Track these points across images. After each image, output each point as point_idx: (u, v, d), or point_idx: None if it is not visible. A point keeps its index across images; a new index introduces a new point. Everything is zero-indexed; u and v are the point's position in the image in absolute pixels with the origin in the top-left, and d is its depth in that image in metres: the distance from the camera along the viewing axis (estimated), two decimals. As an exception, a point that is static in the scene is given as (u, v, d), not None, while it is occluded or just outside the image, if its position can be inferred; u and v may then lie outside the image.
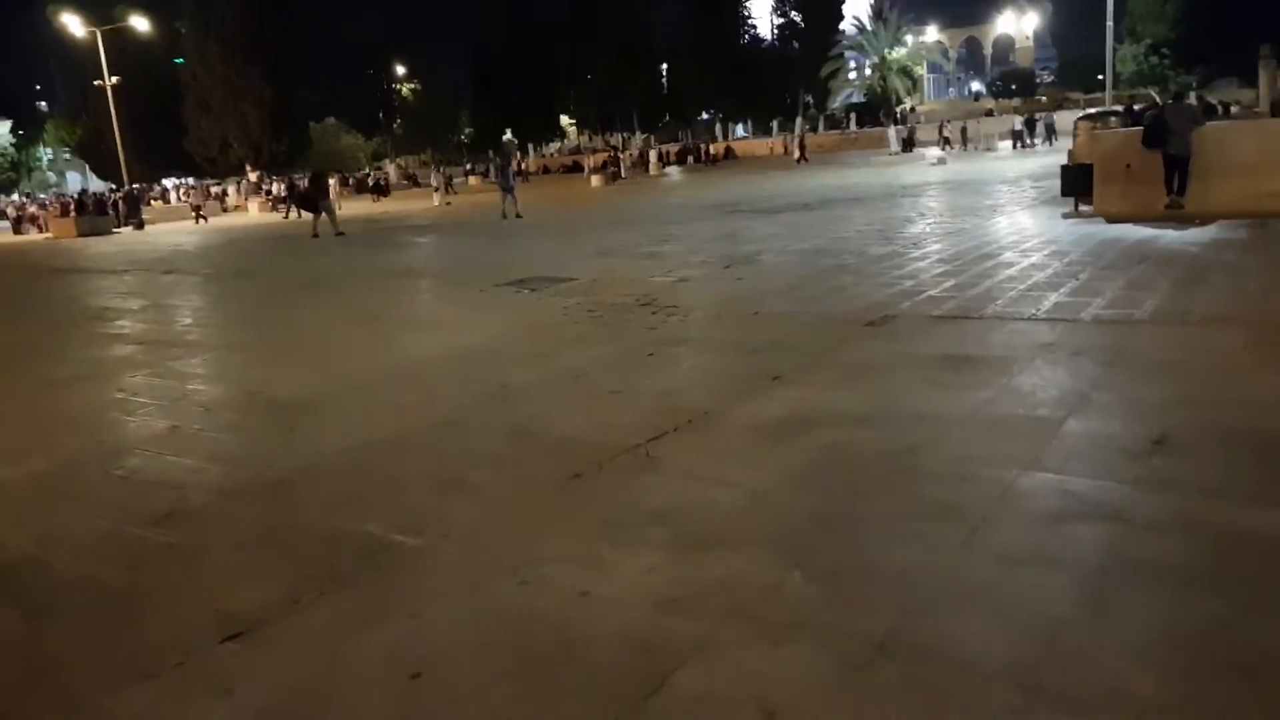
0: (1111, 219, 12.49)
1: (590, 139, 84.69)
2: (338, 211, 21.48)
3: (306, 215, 22.05)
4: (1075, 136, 23.12)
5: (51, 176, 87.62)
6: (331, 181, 32.18)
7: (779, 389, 5.44)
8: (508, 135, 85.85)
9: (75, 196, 46.06)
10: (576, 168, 63.56)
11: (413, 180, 71.72)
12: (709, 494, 3.84)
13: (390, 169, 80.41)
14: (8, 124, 77.08)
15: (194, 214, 35.43)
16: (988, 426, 4.51)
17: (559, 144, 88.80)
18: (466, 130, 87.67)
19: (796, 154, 45.22)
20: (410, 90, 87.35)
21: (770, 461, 4.19)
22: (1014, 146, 41.41)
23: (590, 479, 4.11)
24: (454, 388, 6.01)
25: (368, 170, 73.47)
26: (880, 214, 16.67)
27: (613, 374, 6.12)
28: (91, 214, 34.43)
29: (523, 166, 46.48)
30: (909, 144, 45.85)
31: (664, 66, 77.51)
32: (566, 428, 4.90)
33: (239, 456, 4.85)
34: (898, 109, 57.28)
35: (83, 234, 30.79)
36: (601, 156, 60.57)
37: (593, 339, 7.32)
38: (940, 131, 44.02)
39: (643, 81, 71.96)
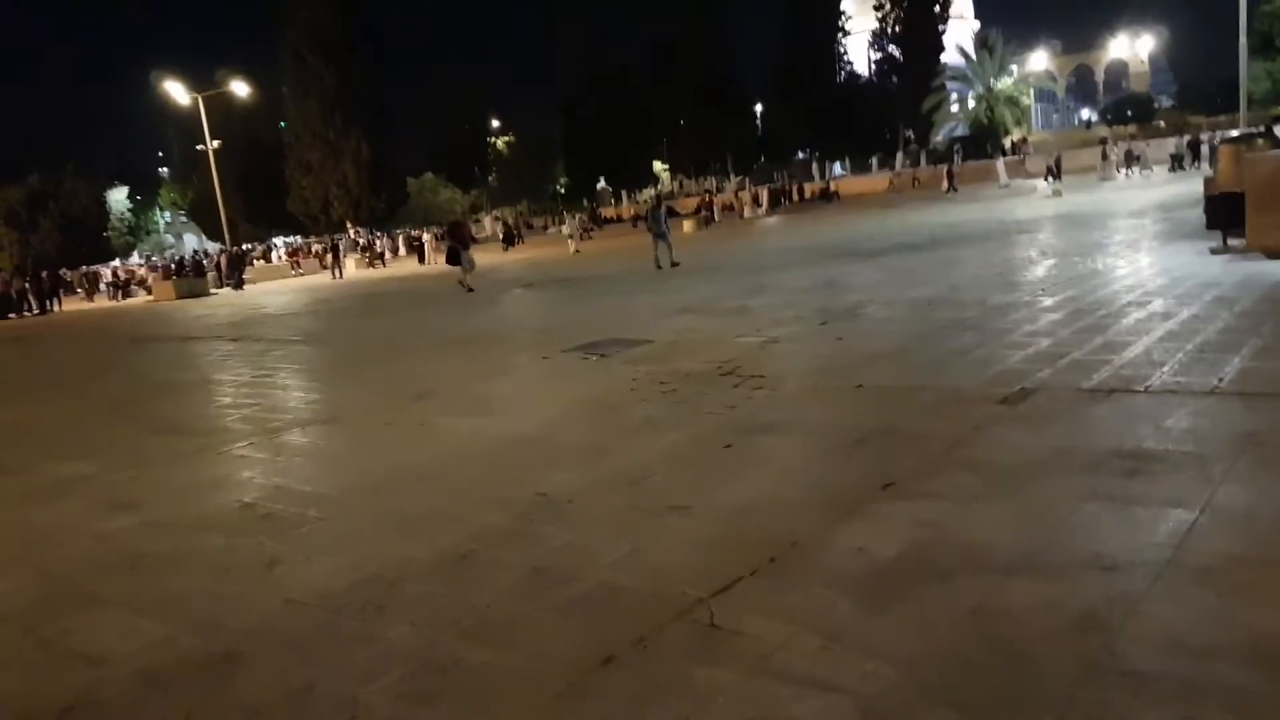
0: (1271, 254, 10.68)
1: (681, 184, 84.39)
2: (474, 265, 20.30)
3: (395, 269, 21.61)
4: (1214, 161, 20.92)
5: (169, 239, 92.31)
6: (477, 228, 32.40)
7: (893, 504, 4.12)
8: (601, 183, 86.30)
9: (177, 260, 47.72)
10: (671, 213, 62.92)
11: (510, 230, 72.52)
12: (793, 711, 2.56)
13: (487, 221, 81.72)
14: (125, 190, 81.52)
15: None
16: (1199, 578, 3.10)
17: (653, 190, 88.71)
18: (561, 180, 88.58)
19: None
20: (505, 143, 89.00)
21: (886, 640, 2.89)
22: (1170, 169, 39.81)
23: (624, 667, 2.88)
24: (480, 497, 4.87)
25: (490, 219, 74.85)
26: (997, 255, 15.05)
27: (677, 478, 4.89)
28: (190, 276, 35.30)
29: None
30: (1056, 172, 43.73)
31: (758, 107, 76.72)
32: (607, 568, 3.69)
33: (190, 609, 3.80)
34: (1007, 140, 54.79)
35: (181, 296, 31.46)
36: (694, 201, 59.82)
37: (660, 423, 6.11)
38: (1104, 153, 42.75)
39: (735, 123, 71.29)
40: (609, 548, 3.91)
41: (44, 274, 37.14)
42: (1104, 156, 43.83)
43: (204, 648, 3.37)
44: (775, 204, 54.94)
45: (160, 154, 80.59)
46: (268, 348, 13.40)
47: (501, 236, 46.82)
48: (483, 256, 28.12)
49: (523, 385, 8.10)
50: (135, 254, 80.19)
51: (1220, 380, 5.59)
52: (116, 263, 68.54)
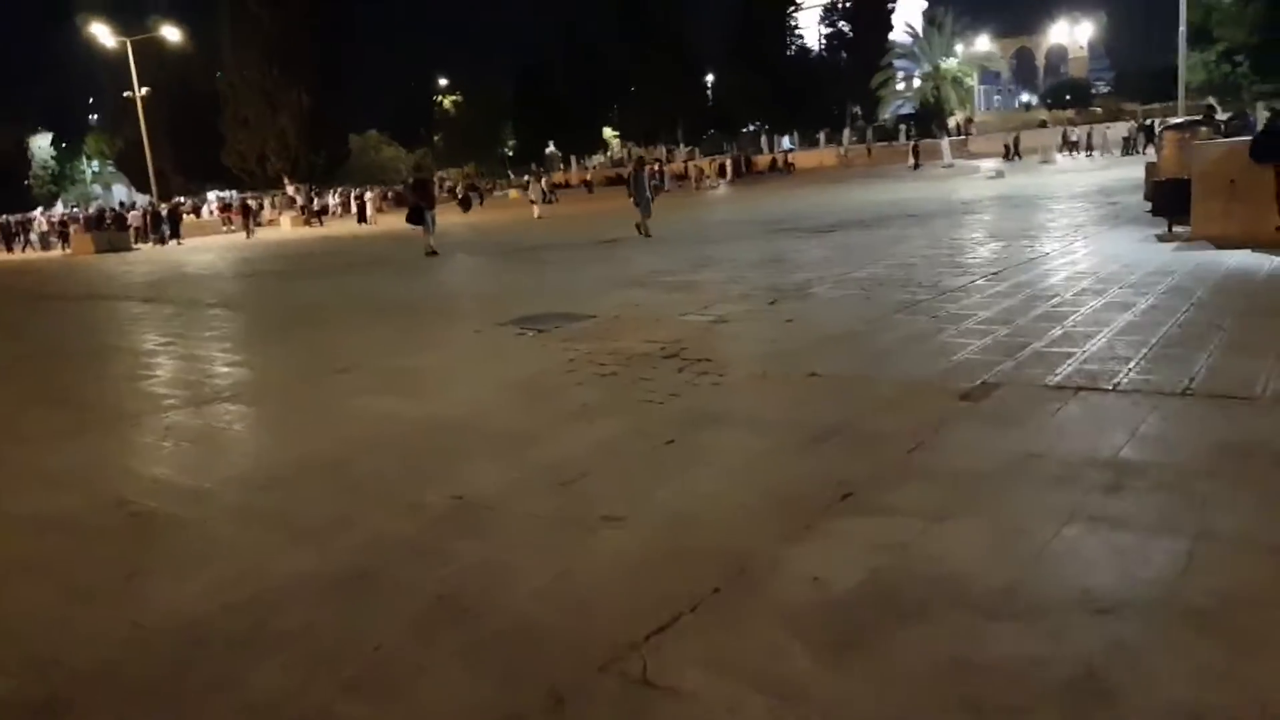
0: (1217, 243, 10.56)
1: (630, 153, 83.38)
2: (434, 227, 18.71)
3: (333, 228, 20.43)
4: (1159, 148, 21.02)
5: (97, 190, 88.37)
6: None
7: (851, 520, 3.66)
8: (550, 147, 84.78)
9: (97, 212, 45.53)
10: (620, 180, 62.13)
11: (453, 194, 70.83)
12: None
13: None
14: (49, 136, 77.65)
15: (247, 227, 34.43)
16: (1199, 624, 2.69)
17: (603, 156, 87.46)
18: (509, 143, 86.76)
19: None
20: (452, 102, 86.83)
21: (848, 702, 2.42)
22: (1124, 152, 40.79)
23: (538, 736, 2.37)
24: (388, 498, 4.29)
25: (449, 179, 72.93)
26: (945, 234, 14.76)
27: (613, 478, 4.37)
28: (111, 229, 33.56)
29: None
30: (1015, 151, 44.44)
31: (709, 78, 75.93)
32: (526, 598, 3.16)
33: (20, 638, 3.18)
34: (957, 120, 54.98)
35: (100, 250, 29.88)
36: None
37: (597, 411, 5.58)
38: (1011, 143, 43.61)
39: (688, 93, 70.45)
40: (530, 570, 3.38)
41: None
42: (1014, 144, 45.06)
43: (24, 693, 2.77)
44: (738, 174, 54.64)
45: (91, 101, 76.70)
46: (179, 310, 12.52)
47: (459, 198, 45.24)
48: (440, 219, 27.11)
49: (451, 362, 7.49)
50: (59, 204, 76.58)
51: (1191, 381, 5.24)
52: (39, 211, 65.42)
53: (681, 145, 76.33)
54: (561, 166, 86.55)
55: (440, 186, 71.07)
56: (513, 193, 57.18)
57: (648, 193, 18.80)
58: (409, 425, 5.56)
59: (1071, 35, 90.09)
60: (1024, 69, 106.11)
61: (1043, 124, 66.98)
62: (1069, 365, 5.79)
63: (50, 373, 8.61)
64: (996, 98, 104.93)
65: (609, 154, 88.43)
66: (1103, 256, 10.64)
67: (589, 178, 64.31)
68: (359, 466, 4.80)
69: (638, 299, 10.13)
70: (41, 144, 76.64)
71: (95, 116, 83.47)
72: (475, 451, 4.93)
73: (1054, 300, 8.04)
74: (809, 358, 6.58)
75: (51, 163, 77.51)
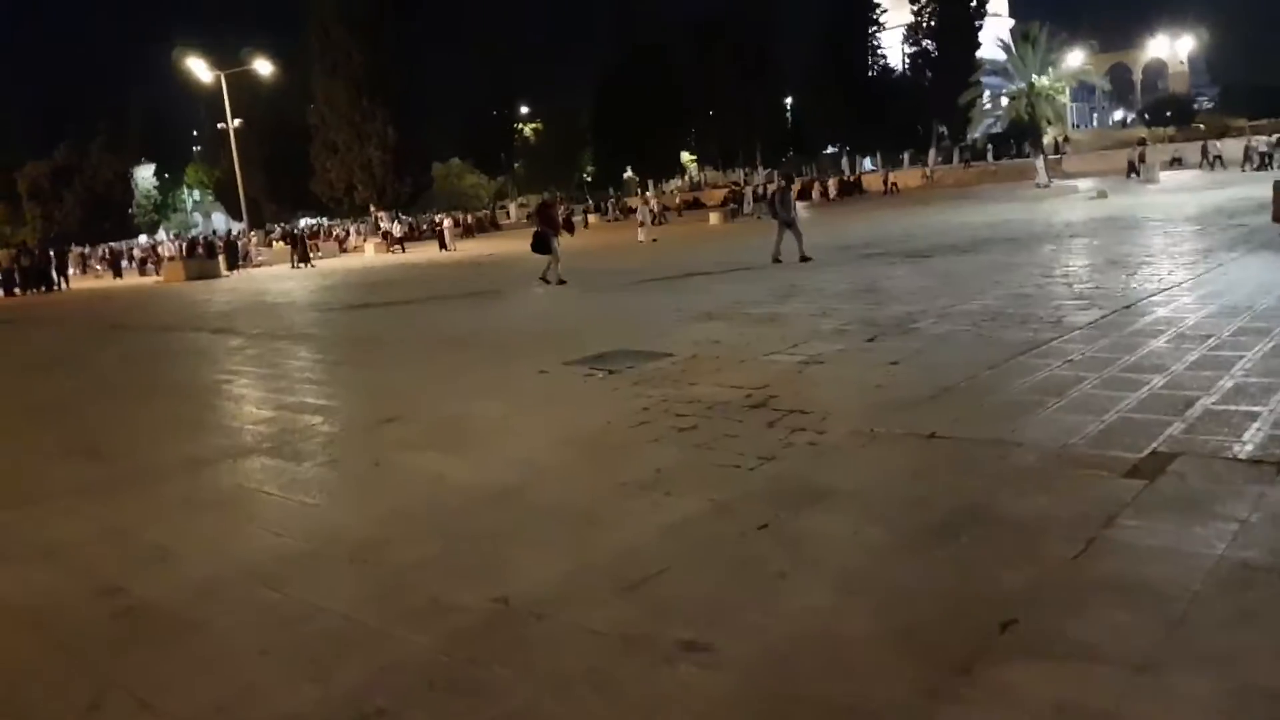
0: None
1: (705, 177, 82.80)
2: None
3: (414, 255, 19.76)
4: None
5: (196, 218, 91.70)
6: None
7: (1024, 664, 2.70)
8: (628, 172, 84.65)
9: (189, 240, 46.81)
10: (697, 204, 61.42)
11: (531, 219, 71.09)
12: None
13: (513, 208, 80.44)
14: (152, 167, 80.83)
15: (291, 259, 34.70)
16: None
17: (680, 180, 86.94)
18: (588, 168, 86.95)
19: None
20: (532, 130, 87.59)
21: None
22: (1257, 167, 38.10)
23: None
24: (417, 598, 3.48)
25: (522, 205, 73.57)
26: (1056, 260, 13.50)
27: (694, 580, 3.49)
28: (201, 258, 34.25)
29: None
30: (1139, 166, 42.00)
31: (788, 100, 74.88)
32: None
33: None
34: (1051, 138, 52.78)
35: (191, 278, 30.39)
36: (722, 193, 58.27)
37: (674, 480, 4.71)
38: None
39: (766, 116, 69.54)
40: (583, 727, 2.52)
41: (50, 251, 36.25)
42: (1140, 159, 42.45)
43: None
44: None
45: (194, 133, 79.64)
46: (245, 343, 12.11)
47: (562, 222, 44.48)
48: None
49: (510, 409, 6.71)
50: (161, 231, 79.62)
51: None
52: (143, 239, 68.03)
53: (760, 167, 75.29)
54: (638, 190, 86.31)
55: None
56: (592, 217, 56.82)
57: (793, 213, 17.03)
58: (454, 493, 4.77)
59: (1171, 49, 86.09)
60: (1120, 85, 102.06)
61: (1141, 141, 64.03)
62: (1258, 430, 4.69)
63: (94, 415, 8.15)
64: (1095, 114, 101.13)
65: (686, 177, 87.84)
66: (1249, 287, 9.32)
67: (654, 205, 63.55)
68: (390, 552, 4.01)
69: (717, 334, 9.24)
70: (144, 174, 79.83)
71: (197, 148, 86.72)
72: (526, 533, 4.11)
73: (1210, 342, 6.86)
74: (924, 412, 5.60)
75: (154, 192, 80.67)
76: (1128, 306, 8.76)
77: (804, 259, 16.07)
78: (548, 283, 16.33)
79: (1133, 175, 40.70)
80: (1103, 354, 6.77)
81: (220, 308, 19.05)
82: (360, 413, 6.97)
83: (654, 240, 29.16)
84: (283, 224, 65.33)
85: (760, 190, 48.38)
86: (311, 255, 43.31)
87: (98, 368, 11.64)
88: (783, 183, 18.25)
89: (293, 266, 33.46)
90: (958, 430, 5.14)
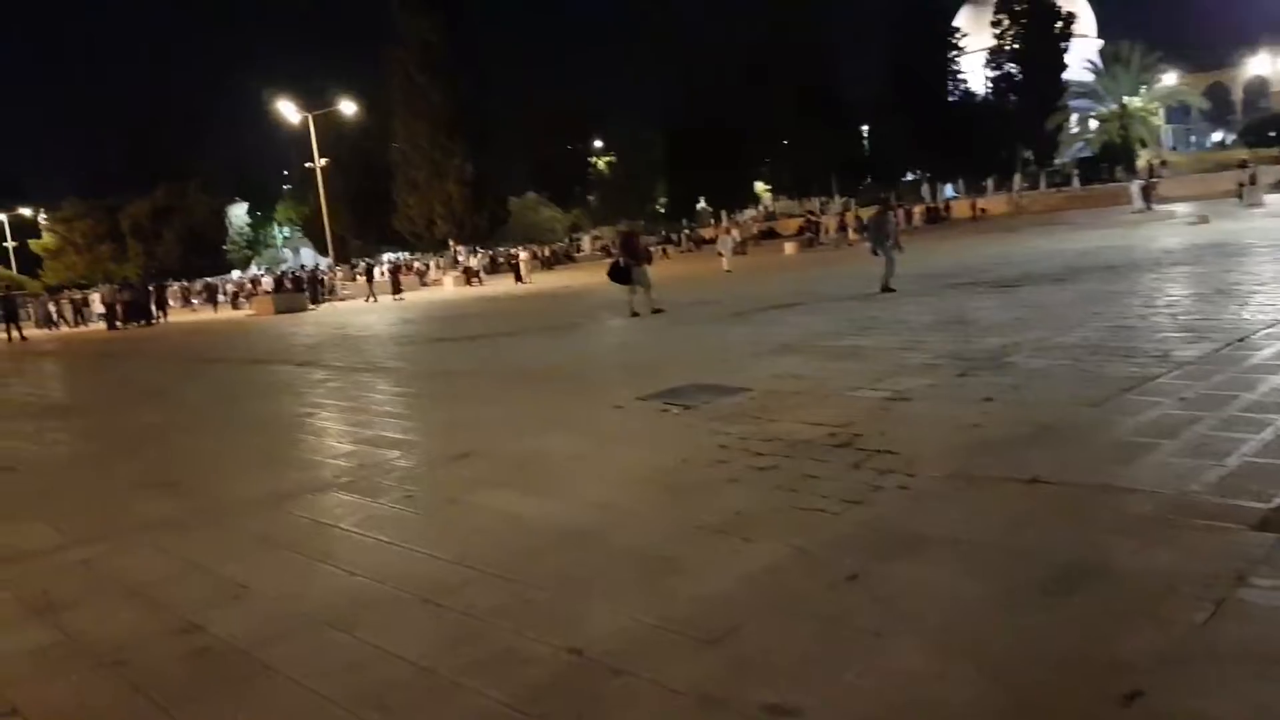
0: None
1: (780, 204, 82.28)
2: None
3: (491, 288, 19.82)
4: None
5: (287, 254, 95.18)
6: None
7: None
8: (701, 203, 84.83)
9: (279, 275, 48.44)
10: (772, 234, 61.03)
11: (606, 251, 71.69)
12: None
13: (586, 240, 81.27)
14: (244, 205, 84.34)
15: (367, 294, 35.66)
16: None
17: (754, 210, 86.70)
18: (661, 199, 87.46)
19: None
20: (606, 162, 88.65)
21: None
22: None
23: None
24: (488, 647, 3.34)
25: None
26: (1156, 290, 12.84)
27: (777, 635, 3.25)
28: (289, 292, 35.36)
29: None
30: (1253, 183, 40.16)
31: (864, 127, 74.13)
32: None
33: None
34: (1148, 162, 50.97)
35: (279, 311, 31.42)
36: (797, 222, 57.82)
37: (754, 524, 4.48)
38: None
39: (841, 143, 68.91)
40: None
41: (150, 286, 37.91)
42: (1250, 180, 40.39)
43: None
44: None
45: (285, 172, 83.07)
46: (329, 376, 12.30)
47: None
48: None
49: (584, 445, 6.57)
50: (253, 266, 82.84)
51: None
52: (237, 274, 70.87)
53: (836, 196, 74.59)
54: (712, 221, 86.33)
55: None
56: (669, 249, 56.83)
57: (891, 240, 16.21)
58: (527, 535, 4.62)
59: (1275, 66, 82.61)
60: (1218, 105, 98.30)
61: (1243, 164, 61.38)
62: None
63: (176, 449, 8.31)
64: (1193, 137, 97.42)
65: (760, 207, 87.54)
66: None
67: (736, 233, 63.10)
68: (463, 595, 3.88)
69: (796, 368, 8.98)
70: (238, 212, 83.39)
71: (288, 186, 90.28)
72: (602, 579, 3.93)
73: (1339, 379, 6.34)
74: (1024, 454, 5.25)
75: (246, 229, 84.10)
76: (1241, 339, 8.20)
77: (885, 289, 15.58)
78: (637, 315, 15.89)
79: (1245, 193, 38.70)
80: (1218, 391, 6.30)
81: (305, 341, 19.53)
82: (436, 448, 6.93)
83: (727, 271, 28.84)
84: (365, 260, 67.31)
85: (860, 218, 47.48)
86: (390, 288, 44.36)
87: (185, 401, 11.97)
88: (881, 208, 17.35)
89: (394, 298, 34.34)
90: (1062, 475, 4.79)
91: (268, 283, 46.63)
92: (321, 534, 5.02)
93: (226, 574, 4.42)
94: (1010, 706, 2.67)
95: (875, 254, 16.10)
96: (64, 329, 38.19)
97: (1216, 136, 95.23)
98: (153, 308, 34.92)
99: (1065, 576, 3.54)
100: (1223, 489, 4.36)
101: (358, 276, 52.02)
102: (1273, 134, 72.46)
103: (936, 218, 53.64)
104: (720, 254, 31.36)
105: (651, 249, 36.98)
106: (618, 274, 16.48)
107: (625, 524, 4.67)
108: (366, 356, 14.57)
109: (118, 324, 33.15)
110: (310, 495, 5.84)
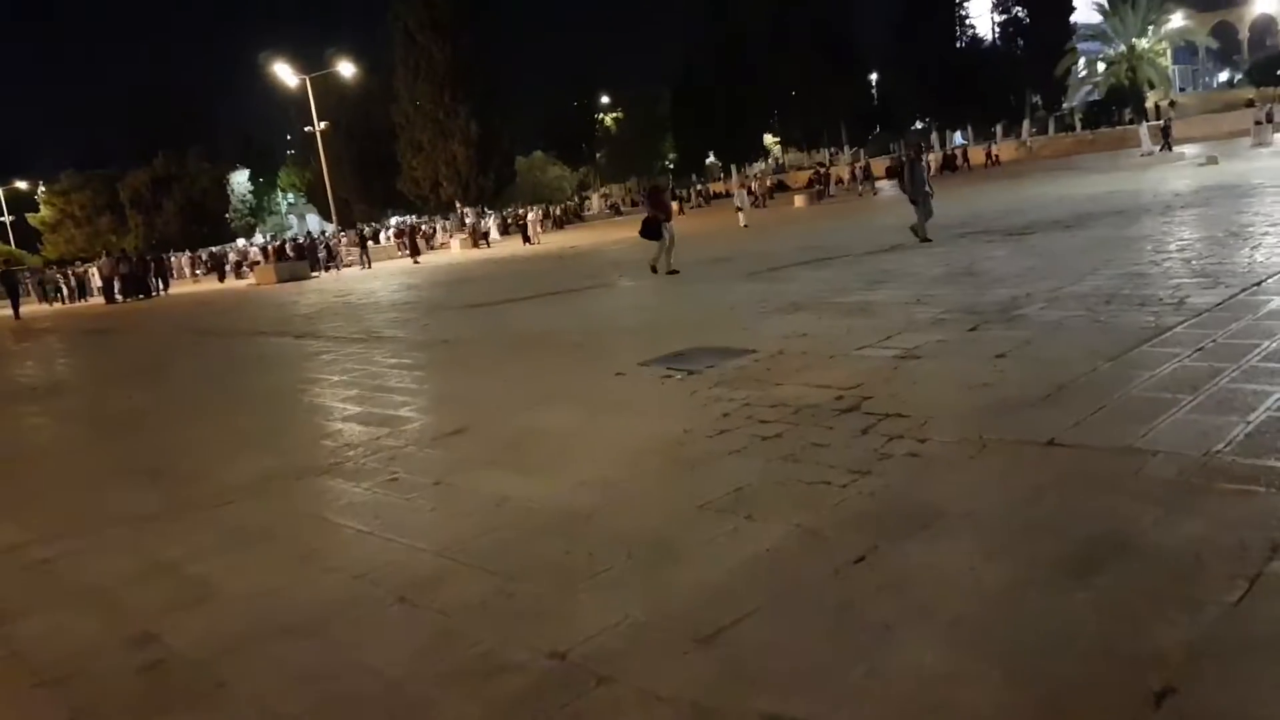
0: None
1: (790, 157, 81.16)
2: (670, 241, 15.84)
3: (499, 250, 19.22)
4: None
5: (291, 220, 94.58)
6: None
7: (1192, 757, 2.16)
8: (710, 158, 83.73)
9: (280, 243, 48.14)
10: (782, 187, 60.19)
11: (615, 210, 71.06)
12: None
13: (595, 198, 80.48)
14: (246, 172, 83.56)
15: (361, 260, 35.34)
16: None
17: (764, 163, 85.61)
18: (670, 156, 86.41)
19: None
20: (613, 119, 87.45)
21: None
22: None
23: None
24: (467, 649, 3.11)
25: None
26: (1168, 234, 12.45)
27: (781, 629, 3.01)
28: (292, 260, 35.04)
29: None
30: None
31: (873, 76, 72.76)
32: None
33: None
34: (1155, 103, 49.86)
35: (282, 280, 31.12)
36: (807, 174, 56.99)
37: (756, 501, 4.24)
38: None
39: (851, 94, 67.67)
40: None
41: (149, 258, 37.63)
42: (1268, 118, 39.44)
43: None
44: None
45: (288, 137, 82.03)
46: (326, 347, 12.05)
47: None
48: (628, 231, 25.61)
49: (582, 417, 6.32)
50: (257, 235, 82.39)
51: None
52: (242, 243, 70.52)
53: (846, 147, 73.48)
54: (721, 175, 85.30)
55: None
56: (684, 207, 56.08)
57: (927, 187, 15.58)
58: (517, 518, 4.39)
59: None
60: (1224, 45, 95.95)
61: (1250, 103, 60.02)
62: None
63: (159, 431, 8.06)
64: (1204, 77, 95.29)
65: (770, 160, 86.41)
66: None
67: (753, 186, 62.03)
68: (442, 592, 3.65)
69: (804, 327, 8.69)
70: (240, 180, 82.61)
71: (291, 152, 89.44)
72: (592, 568, 3.69)
73: (1371, 324, 6.02)
74: (1040, 414, 4.98)
75: (249, 197, 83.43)
76: (1258, 284, 7.87)
77: (923, 239, 15.01)
78: (655, 272, 15.53)
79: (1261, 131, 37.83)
80: (1237, 340, 5.99)
81: (306, 310, 19.27)
82: (428, 424, 6.69)
83: (744, 226, 28.09)
84: (369, 224, 66.71)
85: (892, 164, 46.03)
86: (401, 252, 44.00)
87: (175, 378, 11.74)
88: (911, 154, 16.43)
89: (413, 261, 34.03)
90: (1081, 437, 4.52)
91: (255, 254, 46.27)
92: (299, 524, 4.79)
93: (194, 573, 4.20)
94: (1032, 711, 2.43)
95: (914, 203, 15.61)
96: (57, 305, 38.10)
97: (1223, 76, 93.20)
98: (153, 280, 34.67)
99: (1088, 554, 3.28)
100: (1249, 448, 4.09)
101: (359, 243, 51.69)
102: None
103: (953, 165, 52.74)
104: (738, 209, 30.55)
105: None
106: (650, 230, 15.93)
107: (620, 505, 4.43)
108: (366, 326, 14.31)
109: (117, 298, 32.96)
110: (292, 480, 5.62)
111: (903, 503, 4.01)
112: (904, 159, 16.81)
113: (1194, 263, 9.56)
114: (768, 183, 57.55)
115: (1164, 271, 9.40)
